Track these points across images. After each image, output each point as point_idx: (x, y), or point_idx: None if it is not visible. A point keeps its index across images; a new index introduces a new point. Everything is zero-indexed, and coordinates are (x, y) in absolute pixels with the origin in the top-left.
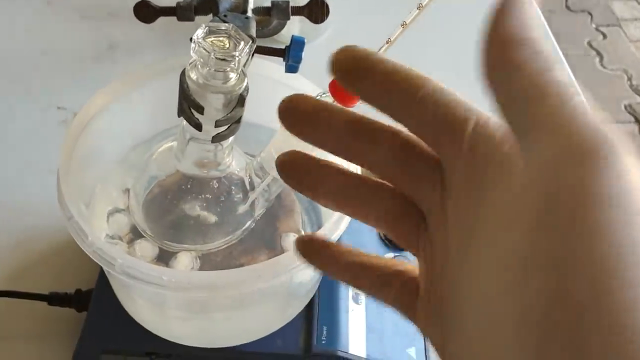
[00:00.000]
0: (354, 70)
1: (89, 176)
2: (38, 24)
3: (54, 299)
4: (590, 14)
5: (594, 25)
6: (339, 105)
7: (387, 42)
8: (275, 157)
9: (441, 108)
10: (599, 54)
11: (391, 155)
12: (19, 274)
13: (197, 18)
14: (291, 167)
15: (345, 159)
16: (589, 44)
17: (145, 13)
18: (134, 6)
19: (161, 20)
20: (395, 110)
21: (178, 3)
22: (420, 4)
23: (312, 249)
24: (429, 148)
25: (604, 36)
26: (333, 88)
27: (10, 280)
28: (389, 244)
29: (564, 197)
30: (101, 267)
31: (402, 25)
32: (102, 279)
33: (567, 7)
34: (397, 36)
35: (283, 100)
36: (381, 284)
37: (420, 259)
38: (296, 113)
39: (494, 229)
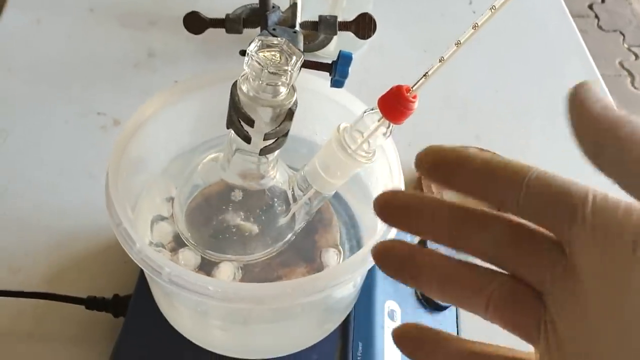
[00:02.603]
0: (447, 165)
1: (135, 183)
2: (80, 32)
3: (91, 303)
4: (622, 33)
5: (626, 46)
6: (434, 196)
7: (439, 61)
8: (320, 171)
9: (553, 189)
10: (630, 74)
11: (503, 238)
12: (57, 276)
13: (245, 31)
14: (389, 256)
15: (455, 248)
16: (621, 64)
17: (196, 24)
18: (184, 17)
19: None
20: (499, 198)
21: (227, 15)
22: (476, 23)
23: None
24: (541, 229)
25: (636, 56)
26: (382, 104)
27: (49, 282)
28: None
29: None
30: (140, 274)
31: (456, 44)
32: (141, 286)
33: (599, 27)
34: (450, 55)
35: (378, 198)
36: None
37: (540, 347)
38: (395, 209)
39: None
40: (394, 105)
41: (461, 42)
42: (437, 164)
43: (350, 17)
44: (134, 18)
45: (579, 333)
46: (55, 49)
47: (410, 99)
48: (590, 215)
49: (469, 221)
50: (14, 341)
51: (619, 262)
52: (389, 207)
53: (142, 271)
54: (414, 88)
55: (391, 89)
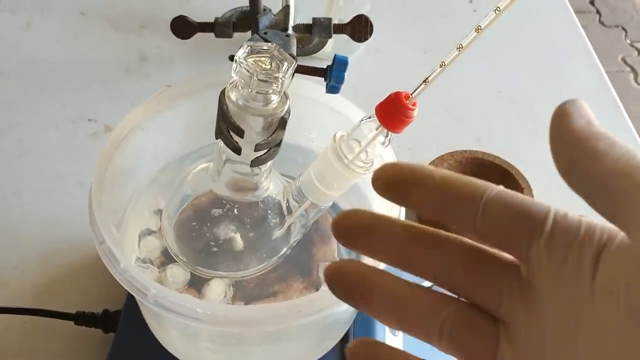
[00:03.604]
0: (402, 183)
1: (121, 196)
2: (71, 35)
3: (80, 319)
4: (624, 29)
5: (628, 41)
6: (394, 217)
7: (440, 65)
8: (316, 182)
9: (512, 207)
10: (633, 70)
11: (457, 260)
12: (46, 289)
13: (236, 35)
14: (342, 277)
15: (407, 271)
16: (623, 60)
17: (183, 29)
18: (171, 22)
19: None
20: (456, 217)
21: (216, 19)
22: (479, 25)
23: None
24: (496, 251)
25: (639, 52)
26: (380, 112)
27: (37, 295)
28: None
29: None
30: None
31: (457, 48)
32: (131, 301)
33: (601, 23)
34: (452, 59)
35: (335, 218)
36: None
37: None
38: (351, 229)
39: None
40: (393, 113)
41: (463, 45)
42: (393, 181)
43: (348, 17)
44: (125, 21)
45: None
46: (46, 53)
47: (410, 106)
48: (549, 234)
49: (422, 241)
50: (1, 358)
51: (578, 287)
52: (343, 228)
53: None
54: (413, 95)
55: (389, 95)
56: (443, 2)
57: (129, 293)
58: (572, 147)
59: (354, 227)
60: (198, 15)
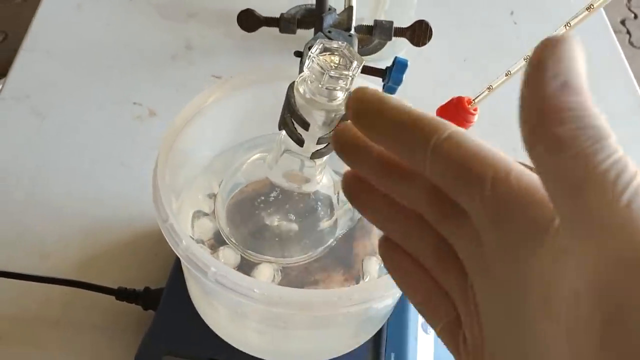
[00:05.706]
0: (365, 113)
1: (179, 178)
2: (119, 21)
3: (122, 294)
4: None
5: None
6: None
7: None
8: None
9: (455, 159)
10: None
11: (422, 195)
12: (86, 264)
13: (299, 31)
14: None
15: (382, 189)
16: None
17: (250, 22)
18: (239, 14)
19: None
20: (409, 157)
21: (282, 15)
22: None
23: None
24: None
25: None
26: (442, 114)
27: (78, 269)
28: None
29: (628, 319)
30: (173, 268)
31: (525, 59)
32: (174, 280)
33: (630, 43)
34: (518, 70)
35: (337, 129)
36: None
37: (462, 307)
38: (347, 139)
39: (543, 321)
40: (454, 115)
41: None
42: (360, 111)
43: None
44: (173, 9)
45: (489, 321)
46: (94, 36)
47: (471, 111)
48: (487, 195)
49: (395, 169)
50: (40, 327)
51: (517, 252)
52: (342, 134)
53: (175, 265)
54: (476, 100)
55: (452, 99)
56: (485, 13)
57: (172, 271)
58: (533, 122)
59: (351, 138)
60: (243, 8)
